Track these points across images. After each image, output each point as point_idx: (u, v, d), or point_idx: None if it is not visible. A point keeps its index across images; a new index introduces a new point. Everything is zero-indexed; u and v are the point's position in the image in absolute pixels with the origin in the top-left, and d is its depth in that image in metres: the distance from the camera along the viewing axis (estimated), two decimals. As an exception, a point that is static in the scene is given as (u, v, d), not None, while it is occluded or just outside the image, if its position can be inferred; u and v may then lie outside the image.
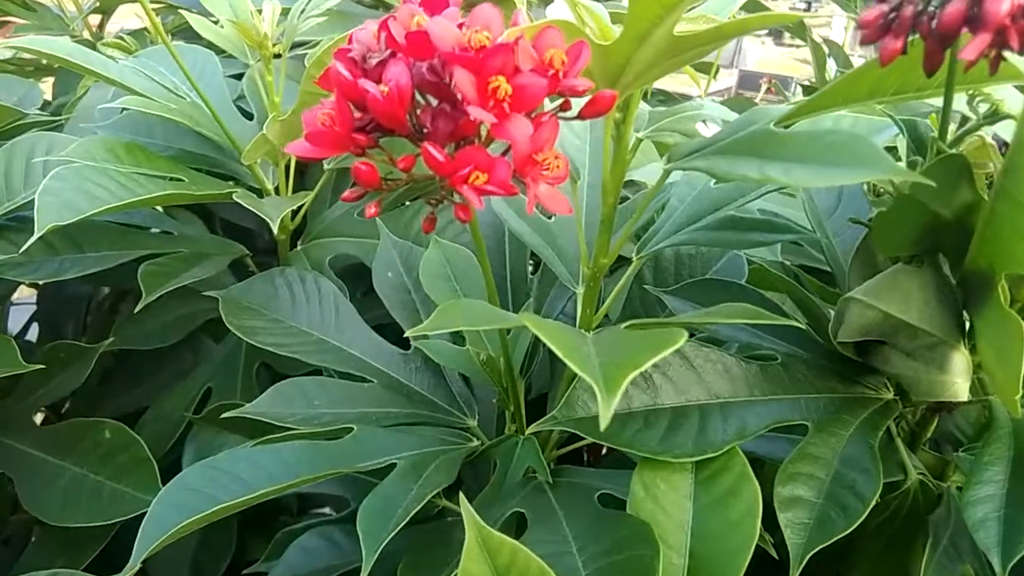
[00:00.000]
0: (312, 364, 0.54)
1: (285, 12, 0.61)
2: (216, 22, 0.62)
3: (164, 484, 0.64)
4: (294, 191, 0.69)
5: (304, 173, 0.73)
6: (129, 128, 0.66)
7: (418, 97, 0.34)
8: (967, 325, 0.43)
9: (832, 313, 0.51)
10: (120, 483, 0.57)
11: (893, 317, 0.42)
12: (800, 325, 0.34)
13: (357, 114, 0.33)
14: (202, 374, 0.69)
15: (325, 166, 0.67)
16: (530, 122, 0.32)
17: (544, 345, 0.59)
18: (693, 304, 0.49)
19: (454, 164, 0.32)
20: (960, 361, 0.43)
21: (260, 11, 0.59)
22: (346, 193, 0.35)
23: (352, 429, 0.48)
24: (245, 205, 0.51)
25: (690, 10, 0.38)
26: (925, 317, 0.42)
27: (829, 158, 0.34)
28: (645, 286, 0.51)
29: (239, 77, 0.73)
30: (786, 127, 0.39)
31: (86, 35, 0.88)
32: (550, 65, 0.32)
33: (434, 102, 0.34)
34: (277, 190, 0.68)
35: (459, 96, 0.32)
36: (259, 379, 0.69)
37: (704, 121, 0.49)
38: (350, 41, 0.36)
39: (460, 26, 0.32)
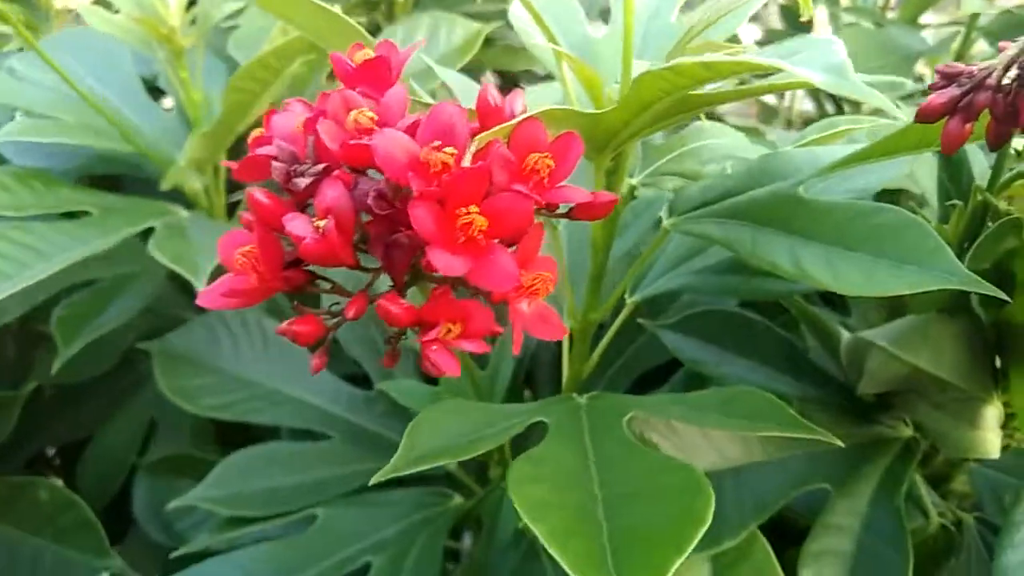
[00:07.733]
0: (265, 423, 0.48)
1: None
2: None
3: (110, 525, 0.59)
4: (228, 191, 0.61)
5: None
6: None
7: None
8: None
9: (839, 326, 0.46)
10: (63, 545, 0.51)
11: (923, 371, 0.38)
12: (842, 445, 0.29)
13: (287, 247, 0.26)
14: (143, 400, 0.62)
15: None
16: (511, 254, 0.25)
17: (528, 376, 0.54)
18: (693, 340, 0.44)
19: (417, 318, 0.25)
20: (993, 415, 0.38)
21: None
22: (282, 326, 0.28)
23: (316, 516, 0.43)
24: (164, 263, 0.43)
25: (691, 41, 0.30)
26: (958, 372, 0.37)
27: (879, 247, 0.28)
28: (639, 320, 0.45)
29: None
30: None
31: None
32: (533, 172, 0.25)
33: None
34: (207, 192, 0.59)
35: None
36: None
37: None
38: (267, 124, 0.28)
39: (413, 127, 0.25)
